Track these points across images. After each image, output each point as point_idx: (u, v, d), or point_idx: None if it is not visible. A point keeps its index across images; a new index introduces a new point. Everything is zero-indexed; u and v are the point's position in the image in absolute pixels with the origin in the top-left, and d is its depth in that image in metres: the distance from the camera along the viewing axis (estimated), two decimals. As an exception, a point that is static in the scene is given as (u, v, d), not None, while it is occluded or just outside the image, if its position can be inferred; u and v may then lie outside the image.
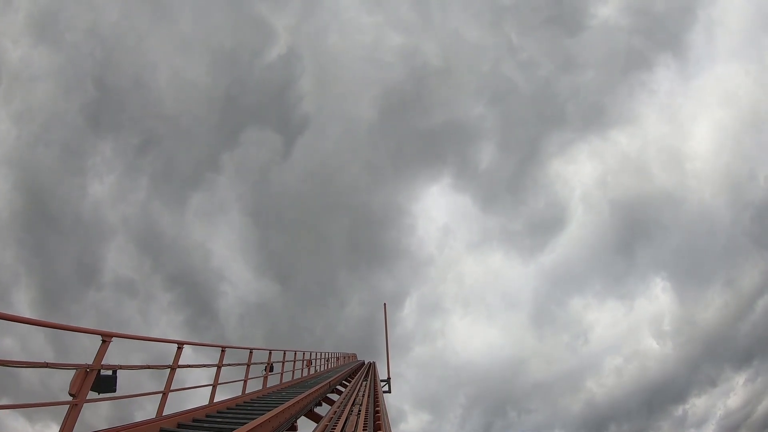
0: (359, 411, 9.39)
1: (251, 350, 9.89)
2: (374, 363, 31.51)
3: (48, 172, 60.17)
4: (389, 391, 34.15)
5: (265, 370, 11.58)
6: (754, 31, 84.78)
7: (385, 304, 40.28)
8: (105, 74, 66.07)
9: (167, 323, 61.45)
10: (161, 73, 72.04)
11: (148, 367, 5.64)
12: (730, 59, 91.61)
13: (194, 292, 66.60)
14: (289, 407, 8.09)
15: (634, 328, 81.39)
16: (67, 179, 63.33)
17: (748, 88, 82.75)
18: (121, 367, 4.80)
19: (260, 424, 6.10)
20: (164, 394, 6.00)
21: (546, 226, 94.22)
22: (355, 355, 36.29)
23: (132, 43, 69.61)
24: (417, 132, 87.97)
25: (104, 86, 65.87)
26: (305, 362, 17.08)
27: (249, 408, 8.47)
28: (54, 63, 64.67)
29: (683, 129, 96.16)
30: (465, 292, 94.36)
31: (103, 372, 4.51)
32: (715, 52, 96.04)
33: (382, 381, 27.48)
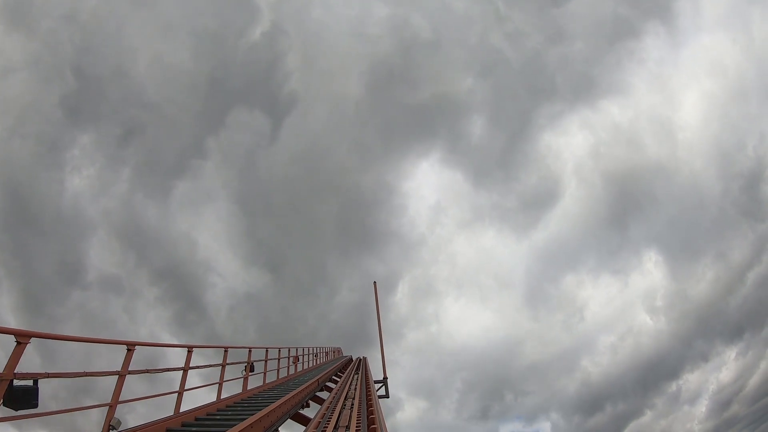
0: None
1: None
2: (365, 360, 26.61)
3: (24, 167, 58.23)
4: (386, 395, 28.20)
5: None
6: (739, 1, 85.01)
7: (375, 282, 34.99)
8: (84, 62, 63.88)
9: (155, 319, 60.53)
10: (142, 58, 69.85)
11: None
12: (716, 28, 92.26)
13: (181, 285, 65.67)
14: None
15: (628, 304, 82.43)
16: (45, 174, 61.27)
17: (735, 57, 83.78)
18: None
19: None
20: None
21: (539, 201, 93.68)
22: (339, 350, 32.19)
23: (112, 29, 67.29)
24: (406, 107, 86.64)
25: (83, 74, 63.76)
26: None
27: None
28: (29, 51, 62.13)
29: (674, 98, 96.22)
30: (458, 273, 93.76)
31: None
32: (701, 21, 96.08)
33: (376, 382, 23.87)
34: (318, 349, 23.56)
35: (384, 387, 28.03)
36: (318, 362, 22.72)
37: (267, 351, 11.95)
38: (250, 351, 10.63)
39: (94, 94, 67.72)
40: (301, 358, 18.14)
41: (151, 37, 72.39)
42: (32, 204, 58.14)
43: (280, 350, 14.11)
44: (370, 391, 11.31)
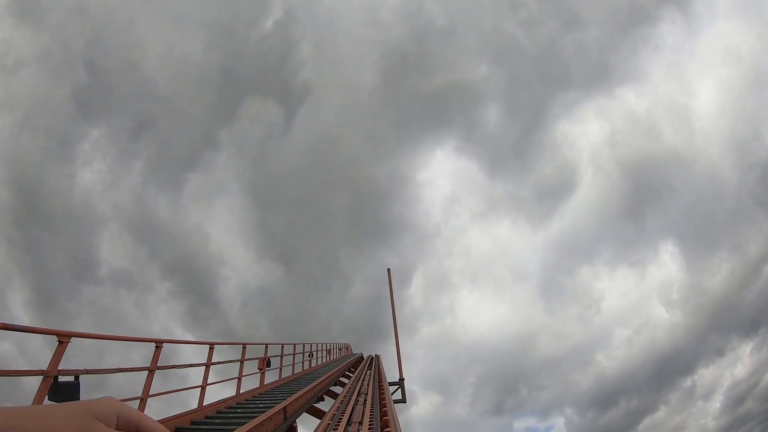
0: None
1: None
2: (378, 359, 23.24)
3: (35, 162, 58.20)
4: (403, 400, 25.27)
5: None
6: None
7: (389, 270, 32.62)
8: (94, 55, 63.64)
9: (167, 314, 60.34)
10: (154, 51, 69.54)
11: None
12: (732, 15, 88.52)
13: (194, 279, 65.39)
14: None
15: (644, 296, 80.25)
16: (56, 168, 61.31)
17: (751, 45, 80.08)
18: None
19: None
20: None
21: (554, 192, 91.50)
22: (348, 347, 29.44)
23: (122, 21, 66.96)
24: (420, 95, 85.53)
25: (94, 68, 63.53)
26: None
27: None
28: (39, 45, 62.07)
29: (691, 86, 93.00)
30: (472, 265, 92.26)
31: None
32: (717, 8, 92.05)
33: (391, 384, 21.13)
34: (315, 346, 17.98)
35: (400, 390, 25.70)
36: (312, 365, 17.26)
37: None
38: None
39: (105, 87, 67.52)
40: (278, 361, 11.49)
41: (162, 29, 71.94)
42: (43, 199, 58.18)
43: (212, 347, 7.75)
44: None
